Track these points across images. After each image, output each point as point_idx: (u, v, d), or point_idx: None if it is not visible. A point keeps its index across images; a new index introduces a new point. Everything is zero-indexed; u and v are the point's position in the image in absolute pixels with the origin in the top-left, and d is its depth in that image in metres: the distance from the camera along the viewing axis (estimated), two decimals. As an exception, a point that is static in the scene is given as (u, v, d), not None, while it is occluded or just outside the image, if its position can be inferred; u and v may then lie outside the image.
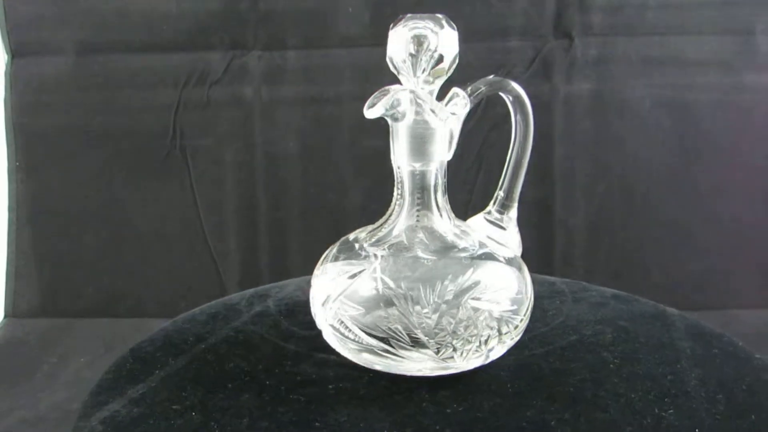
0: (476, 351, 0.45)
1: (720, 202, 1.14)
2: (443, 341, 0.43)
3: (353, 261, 0.46)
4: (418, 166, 0.46)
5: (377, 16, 1.11)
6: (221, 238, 1.18)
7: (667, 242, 1.16)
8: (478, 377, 0.48)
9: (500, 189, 0.53)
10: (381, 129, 0.47)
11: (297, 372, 0.49)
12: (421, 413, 0.44)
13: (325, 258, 0.49)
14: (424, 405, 0.45)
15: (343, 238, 0.49)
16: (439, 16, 0.45)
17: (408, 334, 0.43)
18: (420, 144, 0.46)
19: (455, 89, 0.46)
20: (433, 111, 0.45)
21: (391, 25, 0.45)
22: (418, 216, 0.47)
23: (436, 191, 0.47)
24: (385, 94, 0.43)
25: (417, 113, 0.45)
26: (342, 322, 0.45)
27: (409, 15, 0.45)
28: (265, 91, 1.14)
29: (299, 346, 0.53)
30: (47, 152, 1.15)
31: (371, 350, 0.45)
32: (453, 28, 0.45)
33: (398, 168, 0.47)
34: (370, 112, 0.43)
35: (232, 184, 1.17)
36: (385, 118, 0.45)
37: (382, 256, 0.45)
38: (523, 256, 1.28)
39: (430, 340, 0.43)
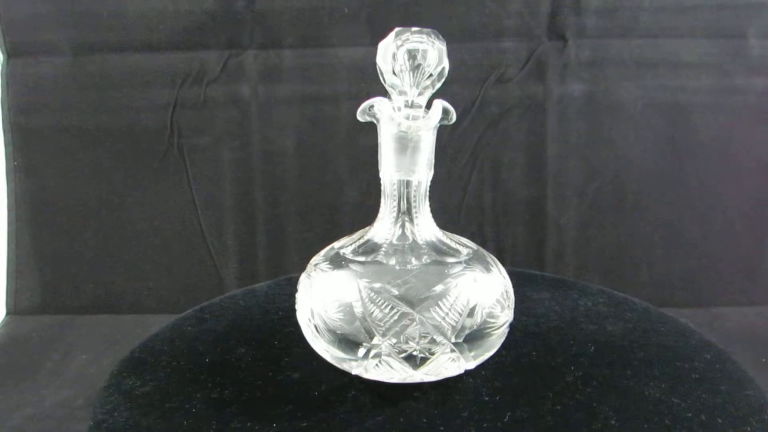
0: (452, 360, 0.46)
1: (709, 202, 1.17)
2: (417, 349, 0.45)
3: (331, 266, 0.48)
4: (403, 176, 0.48)
5: (373, 15, 1.11)
6: (219, 235, 1.20)
7: (656, 241, 1.18)
8: (458, 383, 0.50)
9: None
10: (377, 128, 0.48)
11: (275, 374, 0.51)
12: (397, 419, 0.46)
13: (310, 267, 0.50)
14: (403, 411, 0.47)
15: (328, 247, 0.51)
16: (430, 30, 0.46)
17: (384, 341, 0.45)
18: (406, 155, 0.47)
19: (437, 101, 0.47)
20: (419, 123, 0.46)
21: (390, 38, 0.46)
22: (401, 226, 0.49)
23: (420, 202, 0.49)
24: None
25: (402, 125, 0.46)
26: (323, 328, 0.47)
27: (399, 28, 0.46)
28: (262, 89, 1.15)
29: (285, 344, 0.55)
30: (45, 151, 1.16)
31: (348, 357, 0.46)
32: (443, 42, 0.46)
33: (385, 178, 0.49)
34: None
35: (229, 182, 1.18)
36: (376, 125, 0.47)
37: (362, 264, 0.47)
38: (515, 253, 1.30)
39: (406, 347, 0.45)
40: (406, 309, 0.45)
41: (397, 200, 0.48)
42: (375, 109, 0.46)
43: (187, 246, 1.20)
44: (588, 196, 1.18)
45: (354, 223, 1.16)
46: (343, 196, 1.18)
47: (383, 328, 0.44)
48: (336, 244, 0.51)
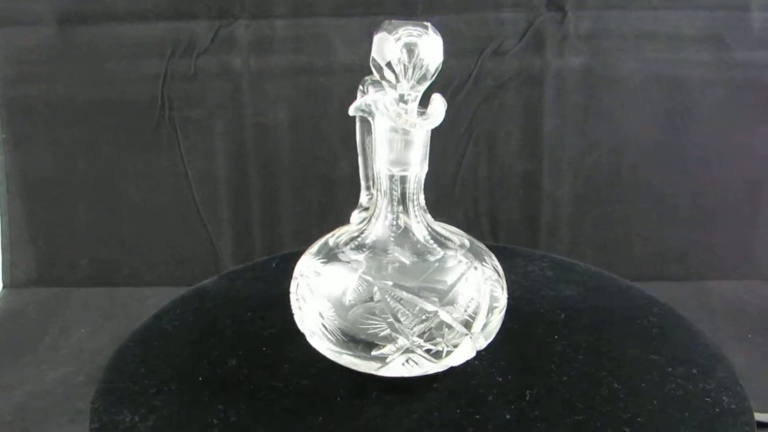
0: (472, 349, 0.47)
1: (705, 176, 1.16)
2: (421, 343, 0.45)
3: (334, 266, 0.47)
4: (400, 172, 0.47)
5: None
6: (213, 209, 1.19)
7: (651, 215, 1.18)
8: (467, 367, 0.50)
9: (366, 180, 0.52)
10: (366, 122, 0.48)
11: (281, 375, 0.50)
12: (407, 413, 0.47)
13: (304, 262, 0.49)
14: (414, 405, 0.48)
15: (322, 241, 0.50)
16: (426, 23, 0.45)
17: (388, 338, 0.45)
18: (402, 151, 0.46)
19: (437, 96, 0.46)
20: (415, 117, 0.45)
21: (385, 31, 0.44)
22: (396, 220, 0.48)
23: (414, 196, 0.48)
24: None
25: (404, 121, 0.45)
26: (336, 330, 0.46)
27: (394, 21, 0.45)
28: (254, 61, 1.12)
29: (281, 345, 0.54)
30: (34, 124, 1.14)
31: (352, 353, 0.46)
32: (438, 36, 0.45)
33: (380, 173, 0.48)
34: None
35: (222, 155, 1.17)
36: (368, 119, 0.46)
37: (367, 262, 0.47)
38: (510, 227, 1.30)
39: (409, 342, 0.45)
40: (429, 306, 0.45)
41: (393, 195, 0.48)
42: (373, 106, 0.45)
43: (182, 219, 1.19)
44: (584, 171, 1.17)
45: (349, 197, 1.15)
46: (338, 169, 1.17)
47: (408, 326, 0.44)
48: (330, 240, 0.50)
